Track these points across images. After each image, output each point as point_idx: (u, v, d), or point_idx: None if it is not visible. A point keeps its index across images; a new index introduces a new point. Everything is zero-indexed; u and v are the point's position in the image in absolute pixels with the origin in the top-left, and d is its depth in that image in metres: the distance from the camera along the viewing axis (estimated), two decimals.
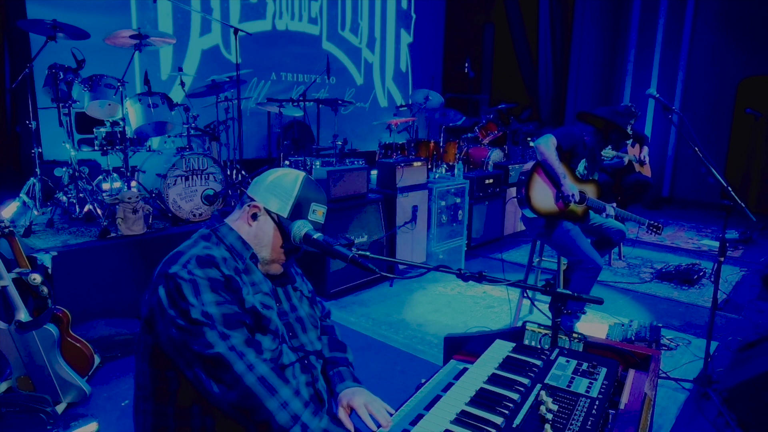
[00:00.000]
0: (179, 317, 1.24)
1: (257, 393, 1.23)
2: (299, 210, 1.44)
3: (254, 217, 1.44)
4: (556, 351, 1.57)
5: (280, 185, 1.45)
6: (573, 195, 3.32)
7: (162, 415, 1.33)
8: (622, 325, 3.42)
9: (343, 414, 1.44)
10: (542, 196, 3.36)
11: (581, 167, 3.51)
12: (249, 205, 1.45)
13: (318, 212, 1.47)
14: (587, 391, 1.37)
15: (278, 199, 1.44)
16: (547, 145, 3.27)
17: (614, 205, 3.50)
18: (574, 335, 1.66)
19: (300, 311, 1.54)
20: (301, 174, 1.49)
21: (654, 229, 3.51)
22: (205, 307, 1.24)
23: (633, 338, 3.22)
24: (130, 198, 3.53)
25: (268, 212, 1.44)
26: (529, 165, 3.41)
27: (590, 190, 3.50)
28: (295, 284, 1.59)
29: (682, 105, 8.25)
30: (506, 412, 1.27)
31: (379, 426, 1.34)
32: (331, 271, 4.17)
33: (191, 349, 1.23)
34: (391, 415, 1.38)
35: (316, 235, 1.40)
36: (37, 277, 2.63)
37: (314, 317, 1.59)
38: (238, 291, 1.33)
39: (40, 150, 3.99)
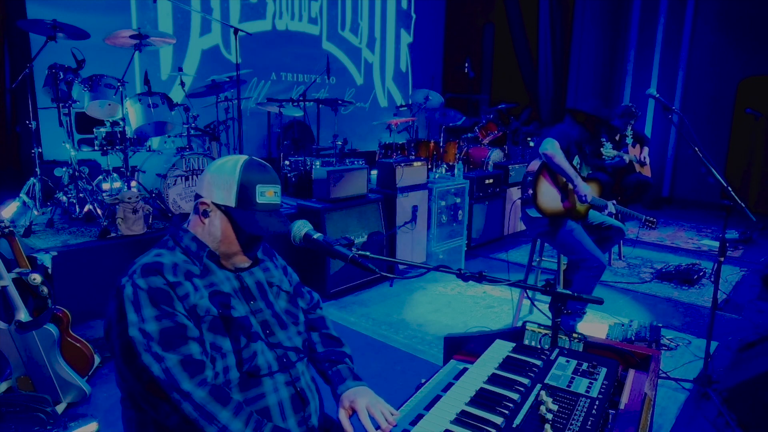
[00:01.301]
0: (121, 334, 1.23)
1: (195, 420, 1.21)
2: (245, 195, 1.36)
3: (204, 214, 1.39)
4: (556, 351, 1.57)
5: (220, 174, 1.38)
6: (586, 195, 3.35)
7: (143, 422, 1.33)
8: (622, 325, 3.42)
9: (343, 415, 1.40)
10: (548, 196, 3.38)
11: (575, 163, 3.52)
12: (197, 203, 1.40)
13: (267, 193, 1.39)
14: (587, 391, 1.37)
15: (222, 190, 1.37)
16: (556, 150, 3.29)
17: (614, 202, 3.52)
18: (574, 335, 1.66)
19: (276, 307, 1.48)
20: (242, 157, 1.41)
21: (648, 224, 3.55)
22: (144, 324, 1.22)
23: (633, 338, 3.22)
24: (130, 198, 3.53)
25: (216, 205, 1.38)
26: (535, 165, 3.42)
27: (592, 189, 3.54)
28: (272, 279, 1.53)
29: (682, 105, 8.25)
30: (506, 412, 1.27)
31: (377, 428, 1.32)
32: (331, 271, 4.17)
33: (131, 369, 1.23)
34: (394, 416, 1.34)
35: (316, 235, 1.39)
36: (37, 277, 2.63)
37: (293, 313, 1.53)
38: (186, 297, 1.29)
39: (40, 150, 3.99)
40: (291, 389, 1.40)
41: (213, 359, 1.29)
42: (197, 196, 1.41)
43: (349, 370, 1.55)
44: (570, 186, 3.43)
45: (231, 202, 1.37)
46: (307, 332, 1.62)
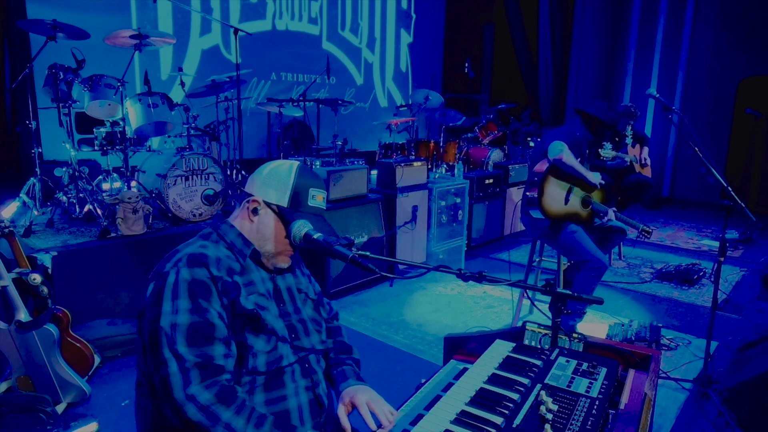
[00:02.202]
0: (153, 321, 1.26)
1: (199, 422, 1.21)
2: (298, 197, 1.43)
3: (254, 211, 1.44)
4: (556, 351, 1.57)
5: (275, 176, 1.45)
6: (600, 183, 3.45)
7: (161, 412, 1.33)
8: (622, 325, 3.42)
9: (342, 411, 1.42)
10: (553, 198, 3.38)
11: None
12: (248, 201, 1.45)
13: (318, 197, 1.47)
14: (587, 391, 1.37)
15: (275, 190, 1.43)
16: (565, 152, 3.30)
17: (614, 209, 3.53)
18: (574, 335, 1.66)
19: (303, 314, 1.52)
20: (296, 162, 1.48)
21: (645, 234, 3.56)
22: (177, 316, 1.24)
23: (633, 338, 3.22)
24: (130, 198, 3.53)
25: (268, 204, 1.43)
26: (542, 166, 3.43)
27: (595, 195, 3.54)
28: (300, 286, 1.58)
29: (682, 105, 8.25)
30: (506, 412, 1.27)
31: (379, 426, 1.33)
32: (331, 271, 4.17)
33: (153, 357, 1.25)
34: (394, 415, 1.36)
35: (316, 235, 1.39)
36: (37, 277, 2.63)
37: (318, 320, 1.57)
38: (228, 293, 1.32)
39: (40, 150, 3.99)
40: (310, 394, 1.43)
41: (243, 358, 1.32)
42: (246, 195, 1.46)
43: (353, 371, 1.58)
44: (575, 190, 3.44)
45: (284, 202, 1.43)
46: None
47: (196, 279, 1.28)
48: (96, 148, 4.12)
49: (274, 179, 1.44)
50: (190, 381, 1.22)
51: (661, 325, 3.49)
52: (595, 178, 3.43)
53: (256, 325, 1.36)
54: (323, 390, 1.49)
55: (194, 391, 1.21)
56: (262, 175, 1.46)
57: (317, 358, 1.51)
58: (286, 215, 1.43)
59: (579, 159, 3.51)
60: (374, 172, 4.95)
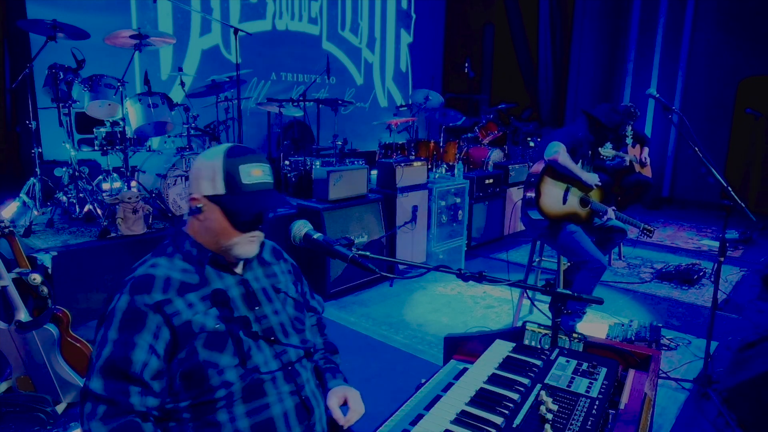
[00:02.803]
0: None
1: None
2: (232, 179, 1.32)
3: (198, 211, 1.35)
4: (556, 351, 1.57)
5: (204, 165, 1.35)
6: (595, 181, 3.45)
7: None
8: (622, 325, 3.42)
9: (334, 403, 1.46)
10: (551, 198, 3.38)
11: (578, 165, 3.53)
12: (189, 201, 1.37)
13: (254, 172, 1.34)
14: (587, 391, 1.37)
15: (207, 180, 1.33)
16: (560, 152, 3.30)
17: (614, 208, 3.53)
18: (574, 335, 1.66)
19: (282, 315, 1.45)
20: (225, 145, 1.38)
21: (647, 233, 3.56)
22: (103, 348, 1.22)
23: (633, 338, 3.22)
24: (130, 198, 3.53)
25: (207, 198, 1.33)
26: (539, 166, 3.43)
27: (594, 194, 3.54)
28: (279, 284, 1.50)
29: (682, 105, 8.25)
30: (506, 412, 1.27)
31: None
32: (331, 272, 4.17)
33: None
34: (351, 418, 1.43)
35: (316, 235, 1.39)
36: (37, 277, 2.63)
37: (300, 319, 1.50)
38: (175, 315, 1.25)
39: (40, 150, 3.99)
40: (296, 398, 1.38)
41: (208, 377, 1.26)
42: (188, 195, 1.39)
43: (341, 374, 1.59)
44: (573, 190, 3.44)
45: (220, 189, 1.33)
46: (313, 336, 1.63)
47: (131, 308, 1.23)
48: (96, 148, 4.12)
49: (203, 169, 1.34)
50: (94, 415, 1.18)
51: (661, 325, 3.49)
52: (591, 178, 3.43)
53: (219, 340, 1.29)
54: (310, 391, 1.43)
55: (93, 426, 1.18)
56: (194, 170, 1.37)
57: (301, 359, 1.44)
58: (226, 203, 1.32)
59: (581, 159, 3.52)
60: (374, 172, 4.95)
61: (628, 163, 5.09)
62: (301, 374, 1.42)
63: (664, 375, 3.05)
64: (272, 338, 1.38)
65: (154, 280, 1.27)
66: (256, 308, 1.40)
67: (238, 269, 1.43)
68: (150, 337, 1.23)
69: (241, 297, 1.39)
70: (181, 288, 1.30)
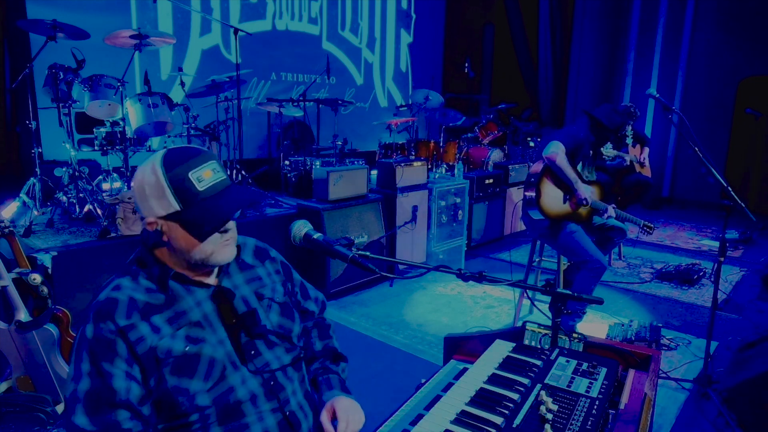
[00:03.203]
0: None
1: None
2: (183, 191, 1.19)
3: (158, 233, 1.23)
4: (556, 351, 1.57)
5: (146, 186, 1.21)
6: (586, 199, 3.37)
7: None
8: (622, 325, 3.42)
9: (324, 417, 1.36)
10: (551, 198, 3.39)
11: (579, 166, 3.53)
12: (145, 225, 1.24)
13: (204, 174, 1.21)
14: (587, 391, 1.37)
15: (156, 200, 1.20)
16: (558, 153, 3.29)
17: (614, 206, 3.53)
18: (574, 335, 1.66)
19: (266, 324, 1.34)
20: (157, 156, 1.22)
21: (647, 229, 3.57)
22: (79, 382, 1.15)
23: (633, 338, 3.22)
24: (130, 198, 3.53)
25: (164, 218, 1.21)
26: (538, 166, 3.43)
27: (593, 192, 3.54)
28: (262, 289, 1.38)
29: (682, 105, 8.25)
30: (506, 412, 1.27)
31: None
32: (331, 272, 4.17)
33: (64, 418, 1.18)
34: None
35: (316, 235, 1.38)
36: (37, 277, 2.63)
37: (285, 327, 1.38)
38: (140, 341, 1.17)
39: (40, 150, 3.99)
40: (278, 415, 1.30)
41: (179, 404, 1.18)
42: (142, 219, 1.25)
43: (339, 381, 1.49)
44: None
45: (175, 206, 1.19)
46: (309, 335, 1.57)
47: (98, 337, 1.15)
48: (96, 148, 4.12)
49: (147, 189, 1.20)
50: None
51: (661, 325, 3.49)
52: (584, 191, 3.36)
53: (187, 364, 1.20)
54: (296, 404, 1.34)
55: None
56: (135, 190, 1.23)
57: (285, 371, 1.34)
58: (186, 218, 1.20)
59: (582, 160, 3.51)
60: (374, 172, 4.95)
61: (628, 163, 5.10)
62: (285, 388, 1.32)
63: (664, 375, 3.05)
64: (252, 351, 1.29)
65: (117, 304, 1.18)
66: (234, 321, 1.29)
67: (211, 279, 1.32)
68: (124, 365, 1.16)
69: (214, 311, 1.28)
70: (145, 310, 1.20)
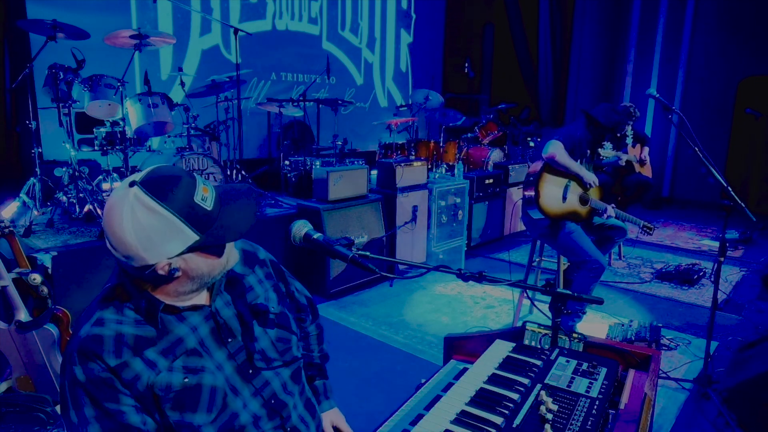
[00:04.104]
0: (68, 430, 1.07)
1: None
2: (194, 217, 1.07)
3: (173, 272, 1.09)
4: (556, 351, 1.57)
5: (153, 231, 1.04)
6: (594, 181, 3.46)
7: None
8: (622, 325, 3.42)
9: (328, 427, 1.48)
10: (550, 197, 3.39)
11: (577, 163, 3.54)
12: (153, 272, 1.08)
13: (203, 191, 1.11)
14: (587, 391, 1.37)
15: (172, 240, 1.06)
16: (558, 150, 3.31)
17: (614, 206, 3.54)
18: (574, 335, 1.66)
19: (262, 339, 1.27)
20: (135, 191, 1.04)
21: (647, 230, 3.58)
22: (86, 428, 1.04)
23: (633, 338, 3.22)
24: None
25: (180, 255, 1.08)
26: (537, 165, 3.43)
27: (592, 191, 3.55)
28: (257, 300, 1.30)
29: (682, 105, 8.25)
30: (506, 412, 1.27)
31: None
32: (331, 272, 4.17)
33: None
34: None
35: (316, 235, 1.37)
36: (37, 277, 2.63)
37: (283, 339, 1.32)
38: (137, 380, 1.07)
39: (40, 150, 3.99)
40: None
41: None
42: (142, 269, 1.07)
43: (331, 387, 1.60)
44: (572, 188, 3.45)
45: (192, 238, 1.08)
46: (308, 339, 1.61)
47: (91, 379, 1.04)
48: (96, 148, 4.12)
49: (156, 236, 1.04)
50: None
51: (661, 325, 3.49)
52: (590, 177, 3.44)
53: (189, 398, 1.11)
54: (297, 418, 1.31)
55: None
56: (134, 244, 1.03)
57: (284, 385, 1.29)
58: (207, 242, 1.10)
59: (580, 159, 3.52)
60: (374, 172, 4.95)
61: (623, 163, 5.09)
62: (287, 404, 1.28)
63: (664, 375, 3.05)
64: (250, 371, 1.23)
65: (103, 341, 1.06)
66: (229, 341, 1.21)
67: (203, 299, 1.22)
68: (131, 400, 1.07)
69: (210, 334, 1.19)
70: (136, 345, 1.09)
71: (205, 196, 1.10)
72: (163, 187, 1.05)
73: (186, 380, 1.11)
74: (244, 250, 1.37)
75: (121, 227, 1.03)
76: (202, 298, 1.21)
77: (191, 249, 1.09)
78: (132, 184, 1.05)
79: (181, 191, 1.06)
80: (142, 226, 1.03)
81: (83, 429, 1.04)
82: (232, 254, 1.21)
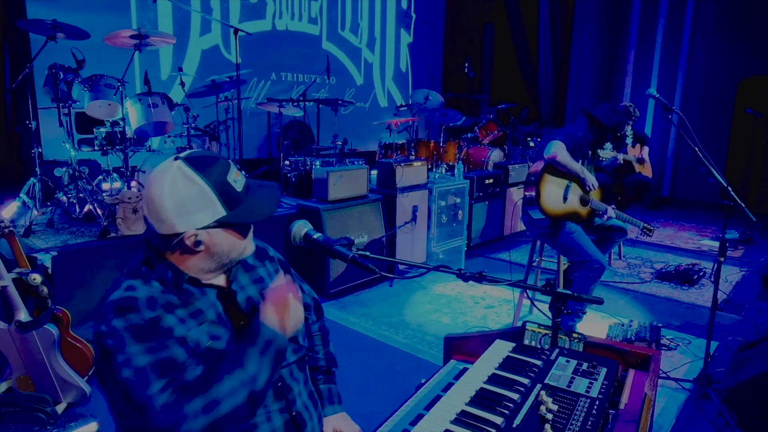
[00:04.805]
0: (115, 381, 1.10)
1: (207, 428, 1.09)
2: (227, 195, 1.19)
3: (197, 244, 1.19)
4: (556, 351, 1.57)
5: (188, 199, 1.16)
6: (594, 184, 3.45)
7: None
8: (622, 325, 3.42)
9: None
10: (551, 197, 3.39)
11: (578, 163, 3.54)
12: (180, 241, 1.18)
13: (235, 175, 1.23)
14: (587, 391, 1.37)
15: (202, 211, 1.17)
16: (560, 150, 3.32)
17: (614, 206, 3.54)
18: (574, 335, 1.66)
19: None
20: (179, 164, 1.18)
21: (647, 231, 3.60)
22: (134, 360, 1.09)
23: (633, 338, 3.22)
24: (130, 198, 3.53)
25: (206, 228, 1.19)
26: (538, 165, 3.43)
27: (593, 194, 3.55)
28: (264, 290, 1.34)
29: (682, 105, 8.25)
30: (506, 412, 1.27)
31: None
32: (331, 271, 4.17)
33: (133, 409, 1.09)
34: None
35: (316, 235, 1.37)
36: (37, 277, 2.63)
37: None
38: (171, 330, 1.15)
39: (40, 150, 3.99)
40: (285, 416, 1.31)
41: None
42: (169, 237, 1.18)
43: (337, 393, 1.59)
44: (573, 188, 3.45)
45: (220, 212, 1.19)
46: (313, 339, 1.61)
47: (131, 325, 1.11)
48: (96, 148, 4.12)
49: (189, 201, 1.16)
50: (181, 407, 1.08)
51: (661, 325, 3.49)
52: (591, 179, 3.43)
53: (212, 357, 1.19)
54: (302, 405, 1.36)
55: (191, 410, 1.08)
56: (170, 209, 1.16)
57: (291, 371, 1.35)
58: (233, 220, 1.21)
59: (581, 159, 3.52)
60: (374, 172, 4.95)
61: (621, 162, 5.09)
62: (292, 389, 1.34)
63: (664, 375, 3.05)
64: None
65: (137, 300, 1.15)
66: (241, 323, 1.29)
67: (220, 281, 1.31)
68: (172, 340, 1.14)
69: (225, 312, 1.28)
70: (166, 306, 1.18)
71: (236, 179, 1.23)
72: (203, 162, 1.19)
73: (210, 343, 1.20)
74: (256, 246, 1.44)
75: (161, 193, 1.15)
76: (220, 280, 1.31)
77: (218, 224, 1.19)
78: (176, 158, 1.19)
79: (217, 169, 1.19)
80: (180, 194, 1.15)
81: (132, 364, 1.08)
82: (250, 244, 1.30)
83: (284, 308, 1.22)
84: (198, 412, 1.08)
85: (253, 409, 1.18)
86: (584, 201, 3.51)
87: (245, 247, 1.29)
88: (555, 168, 3.38)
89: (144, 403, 1.07)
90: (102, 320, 1.13)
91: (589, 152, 3.56)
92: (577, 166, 3.37)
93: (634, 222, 3.59)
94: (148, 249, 1.25)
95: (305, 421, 1.36)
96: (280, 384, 1.32)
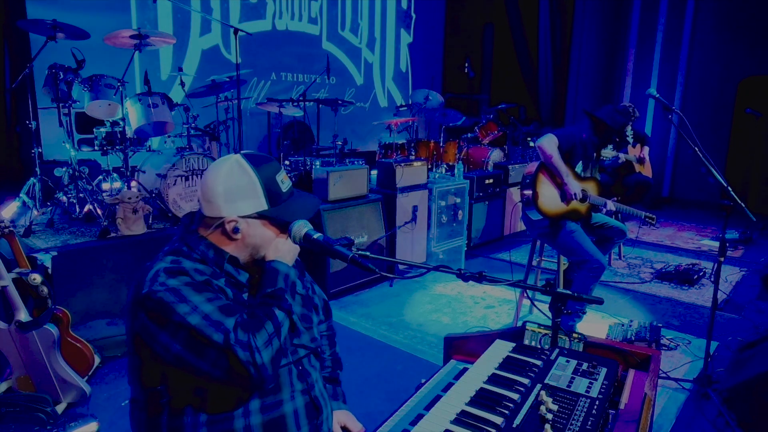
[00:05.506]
0: (176, 334, 1.16)
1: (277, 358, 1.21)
2: (271, 191, 1.32)
3: (235, 230, 1.31)
4: (556, 351, 1.57)
5: (237, 186, 1.30)
6: (576, 194, 3.36)
7: (155, 425, 1.29)
8: (622, 325, 3.42)
9: (336, 428, 1.52)
10: (548, 196, 3.38)
11: (579, 167, 3.53)
12: (222, 224, 1.30)
13: (284, 177, 1.37)
14: (587, 391, 1.37)
15: (247, 200, 1.30)
16: (550, 144, 3.30)
17: (614, 199, 3.54)
18: (574, 335, 1.66)
19: (293, 310, 1.39)
20: (237, 158, 1.33)
21: (648, 220, 3.60)
22: (201, 307, 1.17)
23: (633, 338, 3.22)
24: (130, 198, 3.53)
25: (247, 217, 1.31)
26: (532, 166, 3.43)
27: (591, 188, 3.54)
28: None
29: (682, 105, 8.25)
30: (506, 412, 1.27)
31: None
32: (331, 271, 4.17)
33: (205, 359, 1.16)
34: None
35: (317, 235, 1.38)
36: (37, 277, 2.63)
37: (307, 317, 1.46)
38: (222, 290, 1.27)
39: (40, 150, 3.99)
40: (306, 398, 1.39)
41: None
42: (212, 220, 1.31)
43: (342, 393, 1.65)
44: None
45: (263, 205, 1.32)
46: (321, 340, 1.63)
47: (186, 282, 1.21)
48: (96, 148, 4.12)
49: (238, 189, 1.29)
50: (249, 342, 1.15)
51: (661, 325, 3.49)
52: (575, 188, 3.36)
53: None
54: (319, 391, 1.44)
55: (260, 345, 1.17)
56: (220, 193, 1.29)
57: (309, 358, 1.44)
58: (272, 215, 1.33)
59: (582, 161, 3.51)
60: (374, 172, 4.95)
61: (623, 161, 5.09)
62: (311, 374, 1.42)
63: (664, 375, 3.05)
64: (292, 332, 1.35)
65: (185, 267, 1.25)
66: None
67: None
68: (223, 296, 1.25)
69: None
70: (213, 274, 1.29)
71: (284, 180, 1.37)
72: (259, 159, 1.34)
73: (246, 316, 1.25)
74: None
75: (216, 179, 1.30)
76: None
77: (258, 215, 1.31)
78: (236, 153, 1.35)
79: (269, 168, 1.34)
80: (232, 181, 1.29)
81: (198, 311, 1.16)
82: (283, 249, 1.36)
83: None
84: (267, 343, 1.18)
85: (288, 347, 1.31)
86: (582, 197, 3.50)
87: (277, 248, 1.36)
88: (548, 168, 3.38)
89: (222, 338, 1.14)
90: (152, 283, 1.19)
91: (594, 154, 3.55)
92: (564, 173, 3.33)
93: (636, 213, 3.59)
94: (186, 232, 1.35)
95: (322, 406, 1.43)
96: (300, 367, 1.39)
